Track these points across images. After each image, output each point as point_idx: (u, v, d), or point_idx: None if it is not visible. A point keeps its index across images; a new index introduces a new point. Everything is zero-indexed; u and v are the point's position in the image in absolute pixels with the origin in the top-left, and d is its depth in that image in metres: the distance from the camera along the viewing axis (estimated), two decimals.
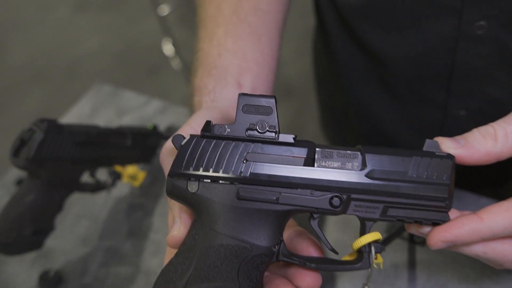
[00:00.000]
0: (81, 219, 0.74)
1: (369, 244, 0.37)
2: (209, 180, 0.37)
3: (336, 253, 0.39)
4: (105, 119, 0.86)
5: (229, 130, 0.37)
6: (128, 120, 0.85)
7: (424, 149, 0.37)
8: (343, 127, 0.82)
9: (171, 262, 0.37)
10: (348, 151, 0.37)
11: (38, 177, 0.60)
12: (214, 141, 0.37)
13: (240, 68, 0.52)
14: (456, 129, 0.64)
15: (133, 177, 0.73)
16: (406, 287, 0.54)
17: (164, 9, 2.54)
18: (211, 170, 0.37)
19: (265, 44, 0.56)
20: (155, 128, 0.74)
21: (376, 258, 0.38)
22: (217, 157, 0.37)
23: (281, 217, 0.37)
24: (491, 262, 0.37)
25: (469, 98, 0.60)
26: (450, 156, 0.36)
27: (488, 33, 0.53)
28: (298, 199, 0.37)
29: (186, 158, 0.37)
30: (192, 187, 0.37)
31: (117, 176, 0.71)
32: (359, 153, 0.37)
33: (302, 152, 0.37)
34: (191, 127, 0.43)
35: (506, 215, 0.35)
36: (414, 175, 0.36)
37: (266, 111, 0.37)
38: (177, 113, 0.84)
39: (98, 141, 0.65)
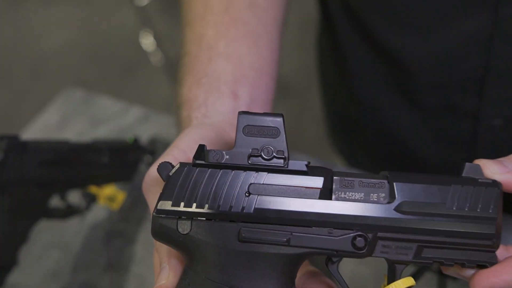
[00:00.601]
0: (50, 250, 0.69)
1: None
2: (204, 219, 0.33)
3: None
4: (77, 130, 0.81)
5: (227, 157, 0.33)
6: (104, 131, 0.80)
7: (463, 174, 0.34)
8: (354, 138, 0.79)
9: None
10: (373, 180, 0.33)
11: None
12: (209, 170, 0.33)
13: (235, 75, 0.48)
14: (489, 142, 0.62)
15: (111, 199, 0.69)
16: None
17: None
18: (206, 206, 0.33)
19: (264, 47, 0.52)
20: (136, 141, 0.70)
21: None
22: (213, 190, 0.33)
23: (292, 263, 0.34)
24: None
25: (505, 105, 0.57)
26: (496, 184, 0.33)
27: None
28: (313, 239, 0.33)
29: (175, 191, 0.33)
30: (184, 227, 0.33)
31: (92, 199, 0.67)
32: (386, 181, 0.33)
33: (317, 182, 0.33)
34: (180, 150, 0.39)
35: None
36: (454, 208, 0.33)
37: (273, 133, 0.34)
38: (161, 122, 0.80)
39: (69, 160, 0.61)
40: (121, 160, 0.67)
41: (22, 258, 0.63)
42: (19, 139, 0.56)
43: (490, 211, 0.33)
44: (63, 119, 0.83)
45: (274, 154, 0.33)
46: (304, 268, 0.40)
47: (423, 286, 0.53)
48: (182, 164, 0.34)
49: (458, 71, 0.57)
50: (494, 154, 0.55)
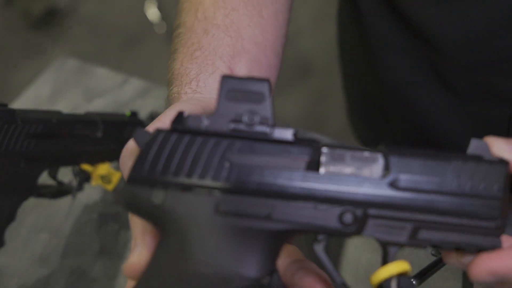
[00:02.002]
0: (38, 233, 0.74)
1: (392, 279, 0.35)
2: (180, 189, 0.35)
3: (345, 285, 0.37)
4: (70, 103, 0.85)
5: (207, 122, 0.36)
6: (100, 104, 0.84)
7: (468, 151, 0.35)
8: (378, 123, 0.82)
9: None
10: (366, 153, 0.35)
11: None
12: (189, 137, 0.35)
13: (233, 49, 0.51)
14: None
15: (105, 179, 0.73)
16: None
17: None
18: (183, 175, 0.35)
19: (268, 19, 0.54)
20: (133, 115, 0.74)
21: None
22: (191, 158, 0.35)
23: (274, 239, 0.35)
24: None
25: None
26: (502, 162, 0.35)
27: None
28: (297, 214, 0.35)
29: (151, 159, 0.35)
30: (158, 197, 0.35)
31: (85, 177, 0.71)
32: (380, 155, 0.35)
33: (304, 153, 0.35)
34: (163, 123, 0.41)
35: None
36: (454, 186, 0.34)
37: (257, 98, 0.36)
38: (162, 96, 0.83)
39: (60, 132, 0.64)
40: (117, 135, 0.71)
41: (8, 241, 0.68)
42: (7, 108, 0.60)
43: (495, 190, 0.34)
44: (55, 91, 0.88)
45: (258, 121, 0.35)
46: (294, 257, 0.42)
47: (444, 280, 0.56)
48: (159, 131, 0.36)
49: (495, 50, 0.59)
50: None
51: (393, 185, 0.34)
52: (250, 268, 0.35)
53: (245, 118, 0.35)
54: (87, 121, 0.68)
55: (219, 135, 0.35)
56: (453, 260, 0.37)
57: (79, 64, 0.91)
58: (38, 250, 0.72)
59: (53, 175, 0.68)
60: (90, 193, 0.76)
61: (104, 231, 0.72)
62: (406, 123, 0.74)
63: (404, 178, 0.34)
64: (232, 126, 0.35)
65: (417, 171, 0.34)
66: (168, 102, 0.49)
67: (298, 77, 2.22)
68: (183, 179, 0.35)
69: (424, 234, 0.34)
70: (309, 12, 2.29)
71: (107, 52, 2.45)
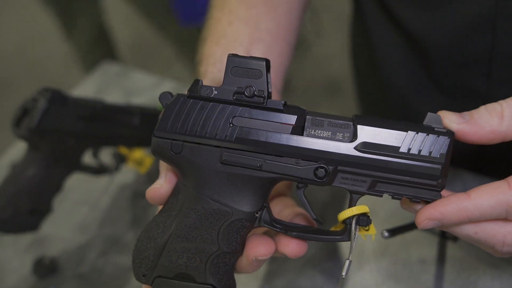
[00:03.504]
0: (80, 206, 0.84)
1: (354, 217, 0.45)
2: (193, 142, 0.45)
3: (321, 223, 0.47)
4: (112, 100, 0.97)
5: (216, 92, 0.45)
6: (137, 102, 0.95)
7: (424, 122, 0.44)
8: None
9: (154, 219, 0.47)
10: (340, 121, 0.44)
11: (39, 150, 0.71)
12: (201, 102, 0.45)
13: (251, 37, 0.61)
14: None
15: (139, 162, 0.84)
16: (432, 283, 0.62)
17: None
18: (196, 132, 0.44)
19: (282, 15, 0.65)
20: None
21: (368, 230, 0.46)
22: (203, 119, 0.45)
23: (264, 184, 0.46)
24: (483, 244, 0.44)
25: None
26: (449, 133, 0.42)
27: None
28: (282, 167, 0.44)
29: (171, 118, 0.45)
30: (176, 148, 0.45)
31: (121, 160, 0.82)
32: (351, 123, 0.44)
33: (291, 120, 0.44)
34: None
35: (494, 193, 0.41)
36: (407, 151, 0.42)
37: (256, 74, 0.44)
38: None
39: (103, 117, 0.76)
40: (151, 124, 0.81)
41: (55, 214, 0.80)
42: (62, 93, 0.72)
43: (439, 156, 0.42)
44: (99, 90, 1.00)
45: (255, 93, 0.44)
46: (292, 208, 0.53)
47: (423, 246, 0.65)
48: (179, 96, 0.45)
49: (468, 51, 0.66)
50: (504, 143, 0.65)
51: (359, 148, 0.43)
52: (245, 204, 0.46)
53: (246, 90, 0.44)
54: (126, 110, 0.79)
55: (225, 102, 0.45)
56: (406, 206, 0.46)
57: (119, 68, 1.04)
58: (79, 220, 0.82)
59: (95, 155, 0.80)
60: (126, 174, 0.86)
61: (135, 206, 0.82)
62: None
63: (368, 143, 0.43)
64: (235, 96, 0.45)
65: (379, 138, 0.43)
66: (197, 78, 0.61)
67: (326, 96, 2.33)
68: (196, 137, 0.45)
69: (380, 187, 0.44)
70: (338, 40, 2.40)
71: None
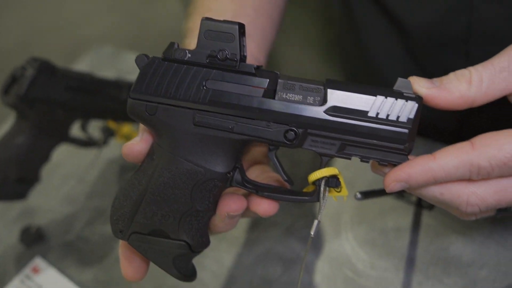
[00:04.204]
0: (68, 179, 0.87)
1: (323, 179, 0.45)
2: (167, 104, 0.45)
3: (292, 183, 0.48)
4: None
5: (189, 55, 0.45)
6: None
7: (394, 88, 0.44)
8: None
9: (130, 178, 0.48)
10: (311, 85, 0.44)
11: (27, 119, 0.73)
12: (175, 65, 0.45)
13: (235, 12, 0.63)
14: None
15: (127, 137, 0.86)
16: (406, 250, 0.64)
17: None
18: (170, 95, 0.45)
19: None
20: None
21: (339, 191, 0.47)
22: (177, 82, 0.45)
23: (236, 146, 0.46)
24: (449, 206, 0.45)
25: None
26: (417, 99, 0.43)
27: None
28: (253, 129, 0.45)
29: (146, 80, 0.45)
30: (151, 110, 0.46)
31: (110, 133, 0.84)
32: (322, 87, 0.44)
33: (262, 83, 0.45)
34: None
35: (458, 154, 0.42)
36: (375, 115, 0.43)
37: (229, 38, 0.45)
38: None
39: (91, 89, 0.78)
40: None
41: (43, 185, 0.82)
42: (50, 63, 0.74)
43: (406, 121, 0.43)
44: (93, 70, 1.02)
45: (228, 56, 0.44)
46: (268, 173, 0.54)
47: (399, 215, 0.67)
48: (154, 58, 0.46)
49: (447, 31, 0.68)
50: (484, 118, 0.66)
51: (328, 112, 0.43)
52: (217, 165, 0.47)
53: (218, 54, 0.44)
54: (115, 84, 0.81)
55: (199, 65, 0.45)
56: (375, 170, 0.47)
57: (112, 50, 1.07)
58: (67, 192, 0.84)
59: (83, 127, 0.82)
60: (114, 148, 0.88)
61: (122, 179, 0.84)
62: None
63: (337, 107, 0.43)
64: (208, 59, 0.45)
65: (348, 102, 0.43)
66: None
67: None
68: (170, 99, 0.45)
69: (349, 150, 0.44)
70: None
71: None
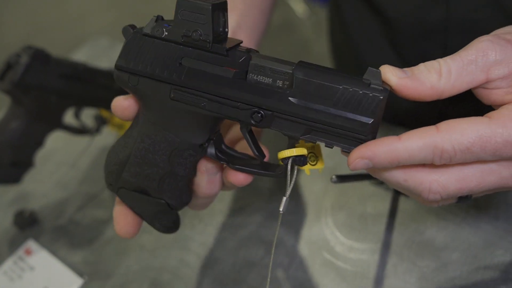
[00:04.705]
0: (61, 166, 0.89)
1: (290, 157, 0.47)
2: (147, 77, 0.48)
3: (263, 157, 0.50)
4: None
5: (166, 33, 0.47)
6: None
7: (364, 77, 0.44)
8: None
9: (120, 138, 0.52)
10: (281, 69, 0.45)
11: (21, 104, 0.76)
12: (155, 41, 0.47)
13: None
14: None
15: (119, 126, 0.89)
16: (383, 234, 0.66)
17: None
18: (148, 69, 0.47)
19: None
20: None
21: (315, 165, 0.49)
22: (155, 57, 0.47)
23: (209, 121, 0.49)
24: (412, 192, 0.45)
25: None
26: (383, 91, 0.43)
27: None
28: (223, 109, 0.47)
29: (129, 53, 0.48)
30: (133, 81, 0.49)
31: (103, 122, 0.87)
32: (291, 72, 0.45)
33: (234, 65, 0.46)
34: None
35: (422, 136, 0.42)
36: (338, 105, 0.44)
37: (202, 19, 0.45)
38: None
39: (84, 78, 0.81)
40: None
41: (37, 171, 0.85)
42: (45, 51, 0.77)
43: (369, 112, 0.43)
44: (89, 61, 1.05)
45: (201, 37, 0.46)
46: (244, 144, 0.57)
47: (377, 200, 0.70)
48: (136, 32, 0.48)
49: (426, 22, 0.70)
50: (460, 107, 0.69)
51: (293, 96, 0.45)
52: (192, 137, 0.50)
53: (192, 34, 0.46)
54: (108, 73, 0.84)
55: (175, 43, 0.47)
56: (343, 152, 0.47)
57: (109, 42, 1.09)
58: (60, 178, 0.87)
59: (77, 115, 0.85)
60: (106, 137, 0.91)
61: None
62: None
63: (302, 93, 0.44)
64: (184, 38, 0.47)
65: (313, 89, 0.44)
66: None
67: None
68: (149, 71, 0.47)
69: (314, 135, 0.45)
70: None
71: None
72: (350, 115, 0.43)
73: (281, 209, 0.48)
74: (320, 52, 2.56)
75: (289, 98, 0.45)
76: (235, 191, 0.77)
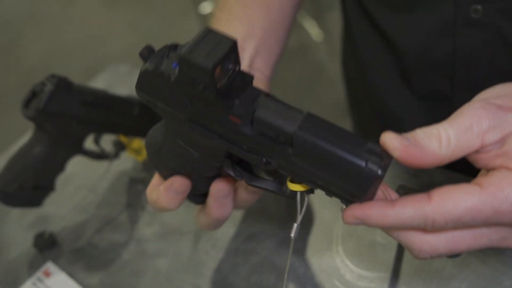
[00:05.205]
0: (81, 189, 0.92)
1: (298, 192, 0.49)
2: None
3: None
4: None
5: (174, 78, 0.45)
6: None
7: (367, 146, 0.42)
8: (373, 130, 0.95)
9: (154, 127, 0.56)
10: (284, 129, 0.44)
11: (45, 130, 0.78)
12: (166, 78, 0.46)
13: (245, 33, 0.70)
14: None
15: (137, 151, 0.91)
16: (392, 263, 0.68)
17: (206, 7, 2.77)
18: (163, 98, 0.47)
19: (275, 14, 0.74)
20: None
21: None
22: (168, 92, 0.46)
23: (221, 151, 0.51)
24: (403, 245, 0.46)
25: (474, 90, 0.72)
26: (377, 175, 0.41)
27: (484, 18, 0.66)
28: (233, 148, 0.48)
29: (144, 81, 0.47)
30: (151, 104, 0.49)
31: (121, 147, 0.89)
32: (291, 134, 0.43)
33: (240, 116, 0.45)
34: None
35: (415, 205, 0.42)
36: (334, 174, 0.43)
37: (204, 78, 0.42)
38: None
39: (104, 105, 0.83)
40: (149, 116, 0.89)
41: (57, 195, 0.87)
42: (68, 80, 0.80)
43: (362, 188, 0.42)
44: (108, 88, 1.08)
45: (205, 91, 0.44)
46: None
47: None
48: (148, 65, 0.46)
49: (434, 54, 0.73)
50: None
51: (293, 155, 0.44)
52: (210, 155, 0.52)
53: (196, 86, 0.44)
54: (127, 100, 0.86)
55: (182, 89, 0.46)
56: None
57: (128, 69, 1.13)
58: (79, 202, 0.90)
59: (96, 141, 0.88)
60: (124, 162, 0.93)
61: (131, 191, 0.89)
62: (380, 123, 0.89)
63: (301, 155, 0.44)
64: (190, 86, 0.45)
65: (311, 153, 0.43)
66: None
67: (335, 118, 2.39)
68: (163, 102, 0.48)
69: (313, 186, 0.47)
70: None
71: None
72: (345, 185, 0.43)
73: (292, 235, 0.49)
74: (334, 73, 2.59)
75: (290, 155, 0.45)
76: (248, 217, 0.79)
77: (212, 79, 0.41)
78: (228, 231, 0.78)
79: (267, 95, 0.47)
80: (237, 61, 0.44)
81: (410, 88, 0.81)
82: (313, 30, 2.83)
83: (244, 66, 0.68)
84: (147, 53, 0.47)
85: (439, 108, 0.79)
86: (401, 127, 0.86)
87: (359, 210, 0.43)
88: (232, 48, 0.42)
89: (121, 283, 0.76)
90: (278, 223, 0.77)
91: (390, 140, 0.42)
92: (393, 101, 0.86)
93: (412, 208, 0.42)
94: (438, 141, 0.42)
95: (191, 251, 0.77)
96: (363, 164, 0.41)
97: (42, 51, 3.36)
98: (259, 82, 0.65)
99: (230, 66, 0.44)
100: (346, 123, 2.39)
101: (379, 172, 0.41)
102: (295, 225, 0.50)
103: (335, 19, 2.83)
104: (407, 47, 0.77)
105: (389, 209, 0.42)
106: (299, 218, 0.50)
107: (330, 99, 2.51)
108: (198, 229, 0.80)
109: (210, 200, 0.56)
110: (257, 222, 0.78)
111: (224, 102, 0.45)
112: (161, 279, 0.75)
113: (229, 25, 0.71)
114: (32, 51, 3.40)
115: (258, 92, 0.46)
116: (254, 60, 0.69)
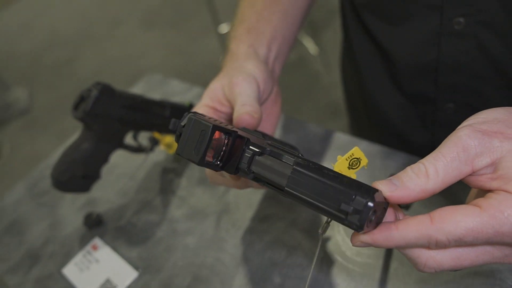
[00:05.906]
0: (122, 177, 0.87)
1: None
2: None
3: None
4: None
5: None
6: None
7: (354, 197, 0.36)
8: (367, 128, 0.90)
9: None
10: (275, 181, 0.40)
11: (91, 129, 0.74)
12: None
13: (272, 35, 0.64)
14: (444, 122, 0.71)
15: (169, 146, 0.87)
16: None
17: (224, 28, 2.75)
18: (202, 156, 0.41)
19: (290, 23, 0.68)
20: (191, 105, 0.87)
21: (357, 168, 0.40)
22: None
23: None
24: (409, 260, 0.40)
25: (456, 92, 0.67)
26: (354, 225, 0.36)
27: (466, 29, 0.61)
28: (259, 181, 0.43)
29: (184, 144, 0.42)
30: (193, 159, 0.42)
31: (155, 142, 0.85)
32: (285, 181, 0.39)
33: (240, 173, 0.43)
34: (197, 109, 0.57)
35: (417, 227, 0.37)
36: (330, 207, 0.37)
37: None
38: None
39: (141, 107, 0.79)
40: (179, 116, 0.85)
41: (102, 182, 0.83)
42: (111, 86, 0.75)
43: (354, 228, 0.36)
44: (145, 93, 1.03)
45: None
46: None
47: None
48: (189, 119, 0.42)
49: (422, 62, 0.68)
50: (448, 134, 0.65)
51: (289, 187, 0.39)
52: None
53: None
54: (160, 103, 0.81)
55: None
56: None
57: (161, 78, 1.08)
58: (120, 188, 0.85)
59: (135, 137, 0.83)
60: (158, 154, 0.89)
61: (164, 178, 0.84)
62: (381, 129, 0.83)
63: (296, 189, 0.39)
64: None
65: (300, 200, 0.39)
66: (225, 55, 0.64)
67: (328, 117, 2.34)
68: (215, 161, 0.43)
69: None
70: None
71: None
72: (338, 220, 0.37)
73: (320, 231, 0.43)
74: (327, 81, 2.55)
75: (286, 188, 0.40)
76: (263, 201, 0.74)
77: (205, 164, 0.41)
78: (245, 213, 0.73)
79: (261, 153, 0.42)
80: (227, 133, 0.41)
81: (400, 90, 0.75)
82: (310, 45, 2.78)
83: (269, 62, 0.63)
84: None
85: (424, 108, 0.73)
86: (391, 124, 0.81)
87: (366, 237, 0.38)
88: (212, 134, 0.40)
89: (156, 257, 0.71)
90: (287, 208, 0.72)
91: (379, 187, 0.37)
92: (384, 101, 0.80)
93: (415, 231, 0.37)
94: (425, 176, 0.37)
95: (214, 229, 0.73)
96: (344, 217, 0.36)
97: (94, 64, 3.34)
98: (275, 82, 0.62)
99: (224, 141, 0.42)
100: (336, 121, 2.34)
101: (359, 223, 0.35)
102: (323, 228, 0.43)
103: (329, 36, 2.78)
104: (398, 55, 0.71)
105: (393, 232, 0.37)
106: (317, 253, 0.47)
107: (324, 102, 2.46)
108: (220, 211, 0.75)
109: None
110: (270, 207, 0.73)
111: (228, 168, 0.43)
112: (189, 254, 0.71)
113: (259, 24, 0.65)
114: (86, 64, 3.37)
115: (253, 153, 0.43)
116: (275, 62, 0.64)
